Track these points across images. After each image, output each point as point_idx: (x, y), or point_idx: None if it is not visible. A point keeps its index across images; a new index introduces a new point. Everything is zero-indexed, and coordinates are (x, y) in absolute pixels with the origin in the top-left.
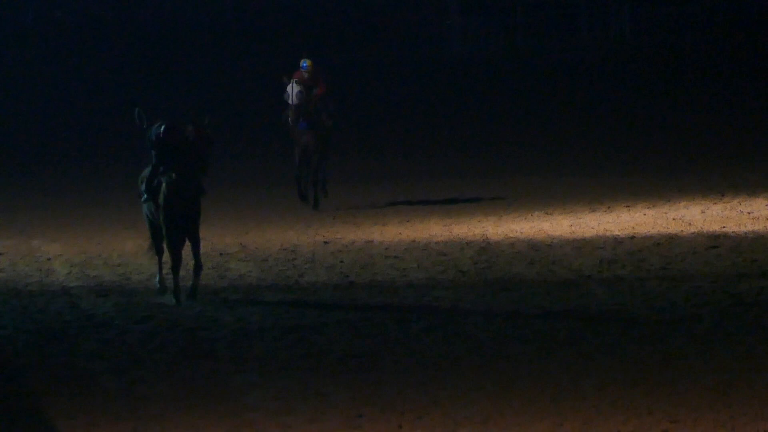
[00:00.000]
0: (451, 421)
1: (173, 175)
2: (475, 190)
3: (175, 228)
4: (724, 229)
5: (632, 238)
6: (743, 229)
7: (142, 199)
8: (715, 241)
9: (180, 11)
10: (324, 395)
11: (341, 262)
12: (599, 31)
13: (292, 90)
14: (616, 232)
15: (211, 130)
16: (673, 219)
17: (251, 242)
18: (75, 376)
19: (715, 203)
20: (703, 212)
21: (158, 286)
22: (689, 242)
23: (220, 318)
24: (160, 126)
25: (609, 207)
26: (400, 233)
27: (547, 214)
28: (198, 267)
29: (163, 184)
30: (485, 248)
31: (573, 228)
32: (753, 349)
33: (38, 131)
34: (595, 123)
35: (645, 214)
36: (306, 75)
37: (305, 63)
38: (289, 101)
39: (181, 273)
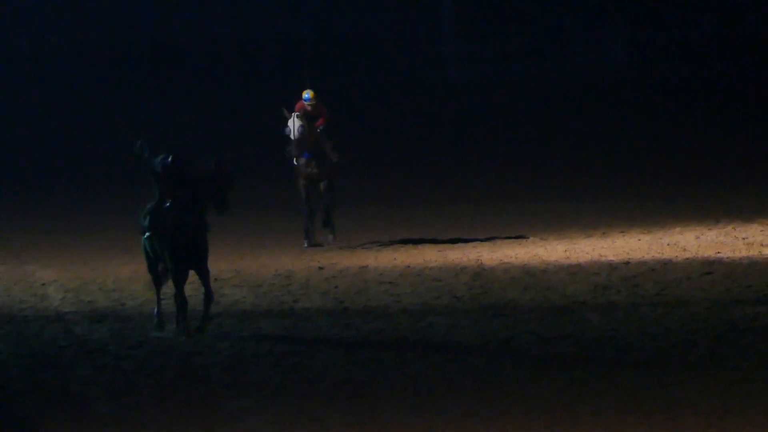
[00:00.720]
0: None
1: (174, 213)
2: (470, 215)
3: (182, 263)
4: (718, 255)
5: (627, 263)
6: (738, 254)
7: (145, 236)
8: (709, 266)
9: (174, 35)
10: (319, 421)
11: (336, 287)
12: (594, 57)
13: (294, 124)
14: (611, 258)
15: (233, 167)
16: (668, 245)
17: (246, 268)
18: (69, 401)
19: (710, 229)
20: (697, 238)
21: (156, 320)
22: (684, 268)
23: (215, 344)
24: (167, 157)
25: (604, 232)
26: (395, 258)
27: (541, 239)
28: (209, 297)
29: (169, 220)
30: (480, 274)
31: (568, 253)
32: (748, 376)
33: (33, 155)
34: (590, 148)
35: (640, 240)
36: (309, 107)
37: (308, 95)
38: (291, 136)
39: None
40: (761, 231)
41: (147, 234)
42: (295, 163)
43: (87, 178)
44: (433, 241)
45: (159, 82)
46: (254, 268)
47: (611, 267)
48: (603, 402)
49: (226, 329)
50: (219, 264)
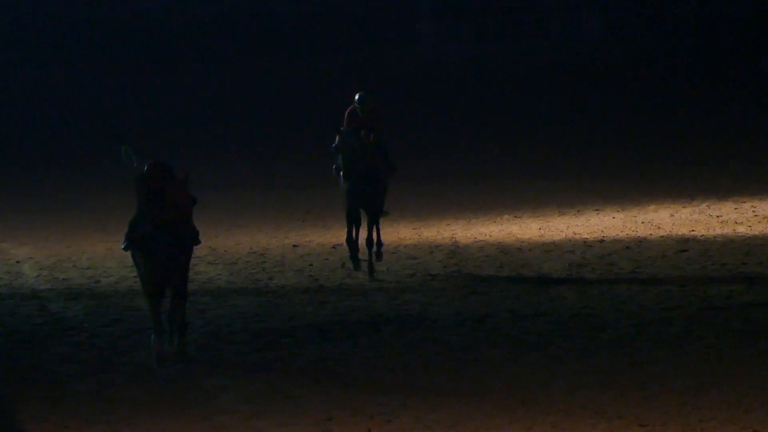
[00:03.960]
0: (421, 425)
1: (151, 229)
2: (445, 194)
3: (158, 282)
4: (693, 233)
5: (601, 241)
6: (712, 232)
7: (123, 246)
8: (684, 244)
9: (152, 13)
10: (294, 398)
11: (311, 265)
12: (570, 35)
13: (345, 140)
14: (586, 236)
15: (190, 187)
16: (642, 223)
17: (221, 245)
18: (45, 379)
19: (684, 207)
20: (672, 216)
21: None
22: (658, 246)
23: (190, 321)
24: (151, 165)
25: (578, 210)
26: None
27: (516, 217)
28: (182, 326)
29: (147, 232)
30: (455, 252)
31: (542, 231)
32: (722, 353)
33: (7, 134)
34: (565, 126)
35: (614, 218)
36: (361, 113)
37: (362, 96)
38: (340, 154)
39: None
40: (735, 209)
41: (125, 245)
42: (342, 184)
43: (61, 156)
44: (408, 219)
45: (137, 60)
46: (229, 245)
47: (586, 245)
48: (578, 379)
49: (200, 307)
50: None
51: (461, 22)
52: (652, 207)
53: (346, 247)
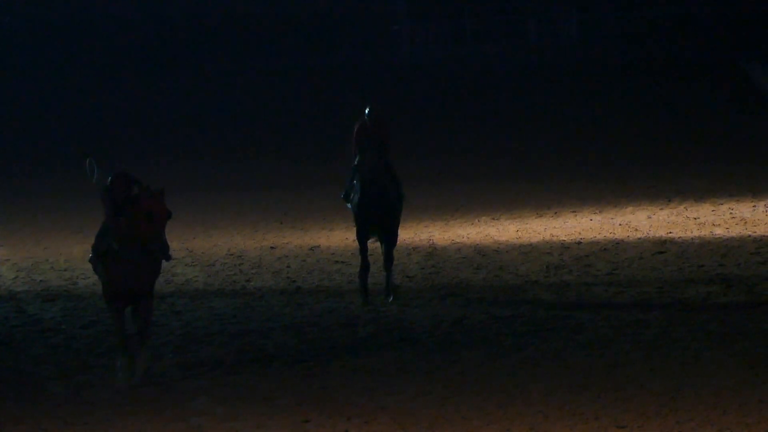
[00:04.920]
0: (398, 427)
1: (114, 244)
2: (422, 195)
3: (118, 298)
4: (670, 235)
5: (579, 243)
6: (689, 234)
7: (89, 258)
8: (661, 246)
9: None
10: (271, 400)
11: (288, 267)
12: (547, 37)
13: (363, 162)
14: (563, 238)
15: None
16: (620, 224)
17: (198, 247)
18: (22, 381)
19: (662, 209)
20: (649, 218)
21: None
22: (636, 248)
23: (167, 323)
24: (115, 176)
25: (556, 212)
26: (347, 238)
27: (493, 219)
28: (143, 339)
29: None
30: (432, 253)
31: (520, 233)
32: (700, 355)
33: None
34: (542, 128)
35: (592, 220)
36: (371, 126)
37: (371, 112)
38: (357, 176)
39: None
40: (713, 211)
41: (90, 257)
42: (348, 206)
43: (39, 158)
44: None
45: (111, 63)
46: (206, 247)
47: (563, 246)
48: (555, 381)
49: (178, 308)
50: (171, 243)
51: (438, 24)
52: (630, 209)
53: (358, 280)
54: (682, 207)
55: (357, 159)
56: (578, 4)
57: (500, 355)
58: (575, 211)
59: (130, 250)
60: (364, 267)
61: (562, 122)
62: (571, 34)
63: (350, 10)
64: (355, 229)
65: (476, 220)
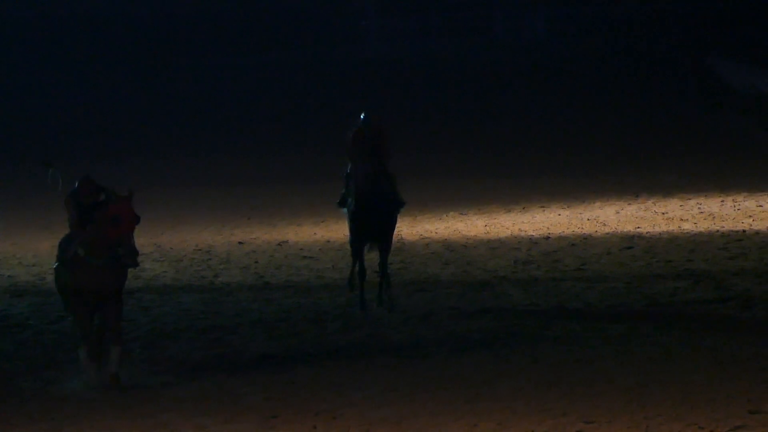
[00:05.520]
0: (366, 422)
1: (80, 251)
2: None
3: (87, 305)
4: (638, 230)
5: (547, 238)
6: (658, 229)
7: (54, 266)
8: (629, 241)
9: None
10: (239, 396)
11: (256, 262)
12: (514, 33)
13: (356, 170)
14: (531, 233)
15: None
16: (588, 219)
17: (166, 242)
18: None
19: (630, 204)
20: (617, 213)
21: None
22: (604, 243)
23: (135, 318)
24: (81, 183)
25: (524, 207)
26: (315, 233)
27: (461, 214)
28: (113, 346)
29: (75, 253)
30: (400, 249)
31: (488, 228)
32: (668, 351)
33: None
34: (510, 123)
35: (560, 215)
36: (368, 133)
37: (366, 117)
38: (351, 182)
39: None
40: (681, 206)
41: (56, 265)
42: (344, 211)
43: (8, 154)
44: None
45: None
46: (175, 242)
47: (531, 242)
48: (523, 377)
49: (146, 304)
50: (139, 239)
51: (406, 19)
52: (598, 204)
53: (348, 286)
54: (650, 202)
55: (350, 166)
56: (545, 0)
57: (468, 350)
58: (543, 207)
59: (97, 255)
60: (360, 274)
61: (529, 117)
62: (538, 30)
63: (318, 6)
64: (349, 236)
65: (444, 216)
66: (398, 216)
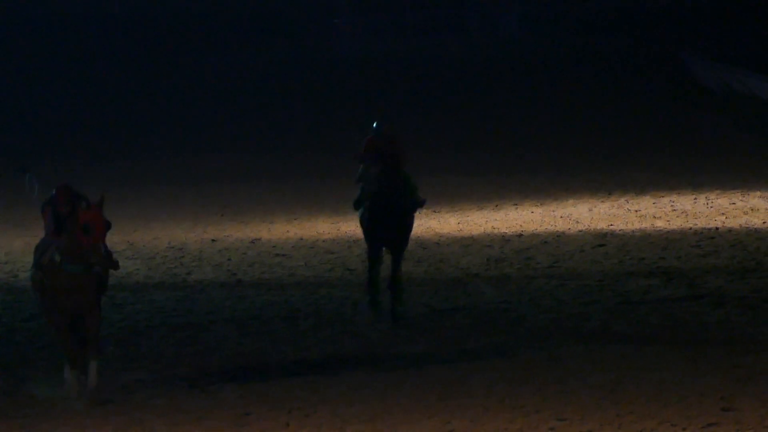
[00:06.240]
0: (339, 419)
1: (57, 257)
2: None
3: (65, 313)
4: (611, 228)
5: (520, 236)
6: (630, 227)
7: (29, 275)
8: (602, 239)
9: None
10: (212, 393)
11: (229, 260)
12: (488, 30)
13: (367, 171)
14: (504, 230)
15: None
16: (561, 217)
17: (139, 240)
18: None
19: (603, 201)
20: (590, 210)
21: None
22: (577, 240)
23: (108, 316)
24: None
25: (497, 205)
26: (288, 231)
27: (434, 212)
28: (93, 355)
29: (52, 260)
30: None
31: (461, 226)
32: (640, 348)
33: None
34: (484, 121)
35: (532, 212)
36: (382, 141)
37: (379, 125)
38: (365, 186)
39: None
40: (654, 203)
41: (31, 273)
42: (363, 219)
43: None
44: (326, 214)
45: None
46: (147, 240)
47: (504, 239)
48: (496, 374)
49: (119, 301)
50: (112, 236)
51: (379, 17)
52: (571, 201)
53: (366, 290)
54: (623, 200)
55: (361, 168)
56: None
57: (441, 348)
58: (516, 204)
59: (73, 262)
60: (374, 281)
61: (502, 115)
62: (511, 28)
63: (291, 4)
64: (365, 240)
65: (417, 213)
66: (414, 216)
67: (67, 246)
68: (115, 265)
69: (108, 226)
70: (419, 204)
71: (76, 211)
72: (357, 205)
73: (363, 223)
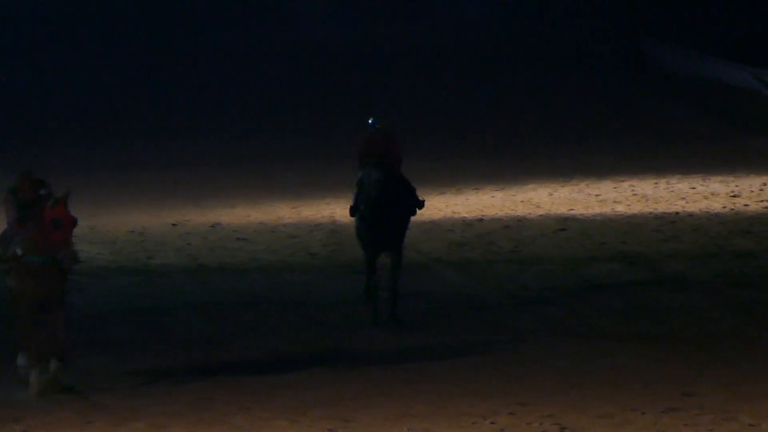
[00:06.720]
0: (301, 403)
1: (19, 250)
2: (324, 173)
3: (29, 307)
4: (572, 212)
5: (481, 220)
6: (591, 211)
7: None
8: (563, 223)
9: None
10: (174, 378)
11: (189, 244)
12: (449, 16)
13: (369, 176)
14: (465, 215)
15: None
16: (522, 201)
17: (100, 225)
18: None
19: (563, 186)
20: (551, 195)
21: (20, 366)
22: (538, 225)
23: (70, 300)
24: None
25: (457, 189)
26: (249, 215)
27: None
28: (56, 353)
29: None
30: (334, 231)
31: (422, 211)
32: (602, 332)
33: None
34: (444, 106)
35: (493, 197)
36: (378, 139)
37: (376, 121)
38: (364, 191)
39: None
40: (614, 188)
41: None
42: (358, 223)
43: None
44: (288, 199)
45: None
46: (109, 224)
47: (465, 224)
48: (458, 358)
49: (81, 286)
50: None
51: (340, 2)
52: (531, 186)
53: (365, 298)
54: (583, 184)
55: (361, 173)
56: None
57: (403, 332)
58: (477, 189)
59: (37, 255)
60: (372, 285)
61: (464, 100)
62: (473, 13)
63: None
64: (360, 245)
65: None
66: (406, 220)
67: (32, 238)
68: (78, 261)
69: (74, 222)
70: (419, 206)
71: (40, 202)
72: (353, 212)
73: (359, 230)
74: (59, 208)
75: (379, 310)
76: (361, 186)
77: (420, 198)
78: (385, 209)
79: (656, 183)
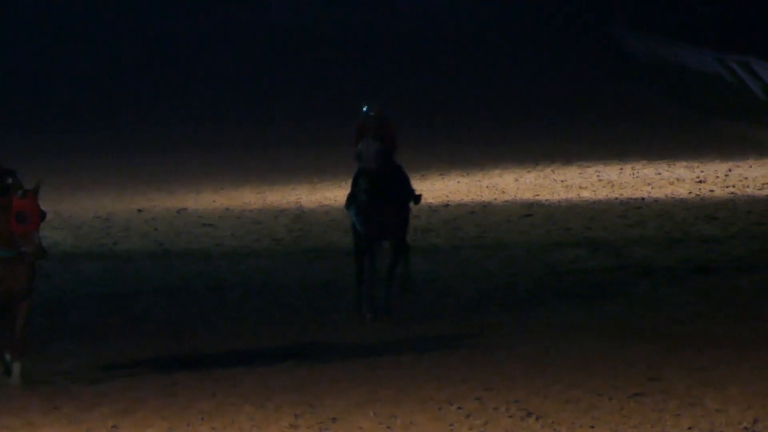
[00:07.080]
0: (266, 389)
1: None
2: (289, 159)
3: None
4: (537, 198)
5: (446, 206)
6: (557, 197)
7: None
8: (529, 209)
9: None
10: (139, 363)
11: (155, 229)
12: (415, 3)
13: (368, 148)
14: (431, 201)
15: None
16: (487, 187)
17: (65, 210)
18: None
19: (529, 171)
20: (516, 180)
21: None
22: (503, 210)
23: (36, 286)
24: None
25: (423, 175)
26: (214, 201)
27: None
28: (18, 348)
29: None
30: (300, 216)
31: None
32: (567, 318)
33: None
34: (408, 91)
35: (459, 183)
36: (373, 125)
37: (370, 107)
38: (364, 164)
39: None
40: (580, 174)
41: None
42: (347, 210)
43: None
44: (253, 184)
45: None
46: (74, 209)
47: (431, 209)
48: (424, 344)
49: (46, 271)
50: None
51: None
52: (497, 171)
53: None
54: (549, 170)
55: (360, 146)
56: None
57: (368, 318)
58: (442, 174)
59: (2, 250)
60: (365, 283)
61: (429, 86)
62: (443, 1)
63: None
64: (356, 230)
65: (343, 183)
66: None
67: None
68: (45, 256)
69: (43, 216)
70: (416, 201)
71: (7, 194)
72: (348, 203)
73: (358, 215)
74: (26, 201)
75: (372, 307)
76: (359, 159)
77: (414, 193)
78: (387, 185)
79: (621, 169)
